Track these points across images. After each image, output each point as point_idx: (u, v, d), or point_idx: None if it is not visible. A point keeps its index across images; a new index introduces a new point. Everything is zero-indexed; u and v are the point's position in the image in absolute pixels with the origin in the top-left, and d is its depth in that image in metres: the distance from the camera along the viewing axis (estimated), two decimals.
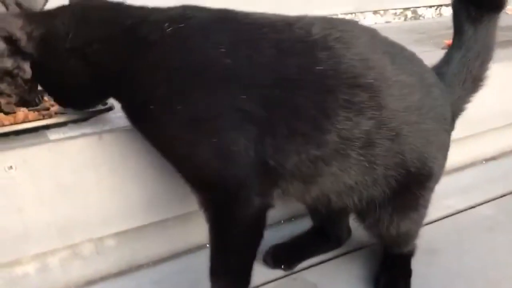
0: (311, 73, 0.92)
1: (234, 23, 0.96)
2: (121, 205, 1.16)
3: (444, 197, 1.40)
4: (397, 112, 0.94)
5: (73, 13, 0.99)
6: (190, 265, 1.24)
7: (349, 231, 1.29)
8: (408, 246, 1.14)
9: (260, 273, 1.16)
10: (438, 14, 3.06)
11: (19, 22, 0.97)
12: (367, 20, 2.77)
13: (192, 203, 1.00)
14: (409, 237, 1.12)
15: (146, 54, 0.94)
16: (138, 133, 1.02)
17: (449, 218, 1.40)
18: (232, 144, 0.91)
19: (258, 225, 0.97)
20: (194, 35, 0.93)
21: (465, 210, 1.44)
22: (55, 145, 1.07)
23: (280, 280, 1.17)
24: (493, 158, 1.79)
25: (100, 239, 1.20)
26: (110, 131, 1.12)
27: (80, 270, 1.19)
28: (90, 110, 1.16)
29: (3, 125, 1.09)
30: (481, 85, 1.11)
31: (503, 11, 1.05)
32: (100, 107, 1.17)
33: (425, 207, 1.08)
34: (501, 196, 1.51)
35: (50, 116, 1.15)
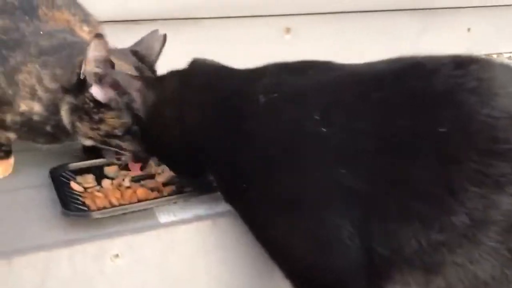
0: (430, 136, 0.73)
1: (330, 83, 0.83)
2: None
3: None
4: None
5: (180, 79, 0.94)
6: None
7: None
8: None
9: None
10: None
11: (137, 84, 0.93)
12: None
13: None
14: None
15: (240, 127, 0.85)
16: None
17: None
18: (333, 230, 0.76)
19: None
20: (286, 106, 0.82)
21: None
22: (165, 230, 0.95)
23: None
24: None
25: None
26: (224, 214, 0.98)
27: None
28: (202, 185, 1.03)
29: (111, 204, 0.98)
30: None
31: None
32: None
33: None
34: None
35: (159, 191, 1.04)
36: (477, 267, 0.76)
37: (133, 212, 0.96)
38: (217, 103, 0.88)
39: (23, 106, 0.99)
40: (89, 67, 0.94)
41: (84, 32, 1.14)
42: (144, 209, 0.98)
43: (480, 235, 0.74)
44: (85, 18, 1.17)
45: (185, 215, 0.99)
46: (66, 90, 0.98)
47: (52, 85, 0.98)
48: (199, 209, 1.00)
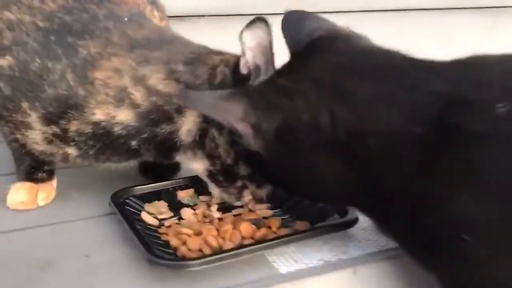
0: None
1: None
2: None
3: None
4: None
5: (318, 85, 0.63)
6: None
7: None
8: None
9: None
10: None
11: (239, 111, 0.64)
12: None
13: None
14: None
15: (460, 151, 0.54)
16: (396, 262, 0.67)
17: None
18: None
19: None
20: None
21: None
22: (290, 285, 0.67)
23: None
24: None
25: None
26: (366, 259, 0.71)
27: None
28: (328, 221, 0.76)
29: (210, 246, 0.70)
30: None
31: None
32: (337, 216, 0.77)
33: None
34: None
35: (264, 225, 0.76)
36: None
37: (241, 258, 0.69)
38: (415, 114, 0.58)
39: (99, 114, 0.72)
40: (251, 59, 0.69)
41: (155, 18, 0.87)
42: (255, 254, 0.70)
43: None
44: (153, 0, 0.90)
45: (309, 261, 0.71)
46: (197, 88, 0.72)
47: (166, 87, 0.71)
48: (323, 252, 0.73)
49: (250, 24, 0.69)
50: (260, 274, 0.68)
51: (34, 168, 0.83)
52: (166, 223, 0.78)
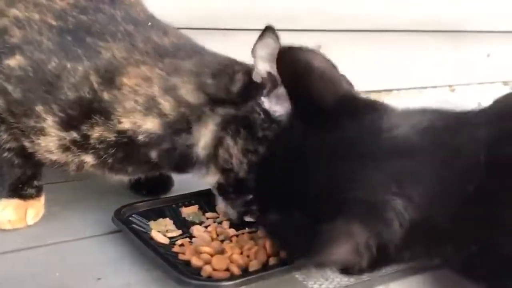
0: None
1: None
2: None
3: None
4: None
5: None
6: None
7: None
8: None
9: None
10: None
11: (348, 247, 0.49)
12: None
13: None
14: None
15: None
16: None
17: None
18: None
19: None
20: None
21: None
22: None
23: None
24: None
25: None
26: (396, 277, 0.69)
27: None
28: None
29: (236, 264, 0.66)
30: None
31: None
32: None
33: None
34: None
35: None
36: None
37: (272, 277, 0.64)
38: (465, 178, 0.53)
39: (126, 123, 0.66)
40: (262, 68, 0.66)
41: None
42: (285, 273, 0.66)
43: None
44: None
45: (340, 278, 0.68)
46: (220, 100, 0.68)
47: (195, 98, 0.68)
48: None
49: (262, 35, 0.67)
50: None
51: (22, 183, 0.74)
52: (179, 241, 0.72)
